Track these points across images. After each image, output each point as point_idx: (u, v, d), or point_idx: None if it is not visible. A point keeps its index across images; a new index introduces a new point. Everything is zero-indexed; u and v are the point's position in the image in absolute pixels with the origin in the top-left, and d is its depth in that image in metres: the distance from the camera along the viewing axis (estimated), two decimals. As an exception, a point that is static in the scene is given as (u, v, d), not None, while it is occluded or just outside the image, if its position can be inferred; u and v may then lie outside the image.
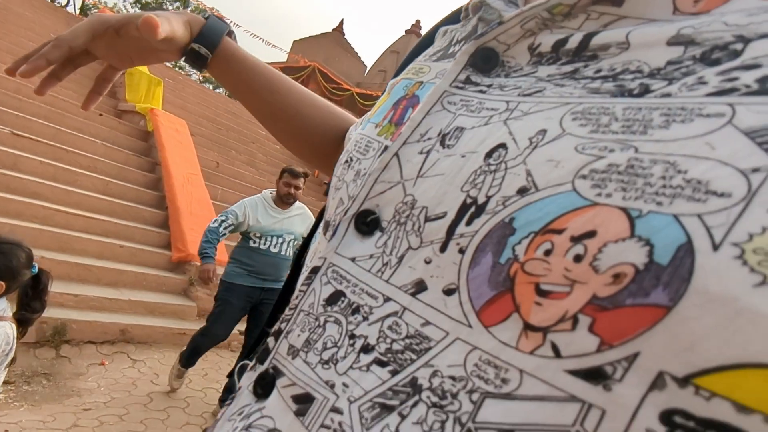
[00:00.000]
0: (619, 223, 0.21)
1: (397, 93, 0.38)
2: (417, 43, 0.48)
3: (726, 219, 0.19)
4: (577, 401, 0.21)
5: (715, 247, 0.19)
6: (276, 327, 0.34)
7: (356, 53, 22.38)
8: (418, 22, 20.82)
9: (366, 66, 22.50)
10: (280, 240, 3.04)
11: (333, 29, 22.08)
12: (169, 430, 2.67)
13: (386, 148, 0.33)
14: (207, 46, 0.57)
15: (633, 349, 0.20)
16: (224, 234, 2.97)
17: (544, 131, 0.26)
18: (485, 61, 0.31)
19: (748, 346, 0.17)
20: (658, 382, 0.19)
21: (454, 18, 0.44)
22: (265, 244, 3.00)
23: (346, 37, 22.06)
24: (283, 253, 3.05)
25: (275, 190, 3.14)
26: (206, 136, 8.27)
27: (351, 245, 0.31)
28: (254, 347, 0.51)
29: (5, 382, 2.56)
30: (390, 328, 0.27)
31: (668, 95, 0.23)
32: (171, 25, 0.51)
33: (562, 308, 0.22)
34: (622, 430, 0.20)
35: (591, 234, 0.21)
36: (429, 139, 0.31)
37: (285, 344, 0.33)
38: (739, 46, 0.22)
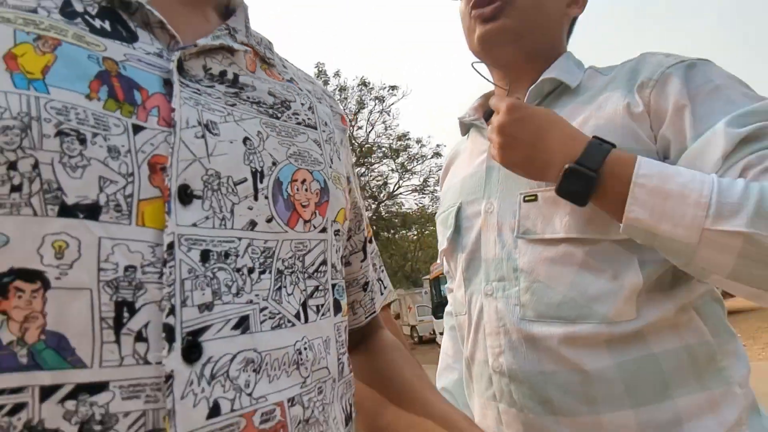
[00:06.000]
0: None
1: (82, 64, 0.37)
2: None
3: None
4: None
5: None
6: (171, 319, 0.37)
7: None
8: None
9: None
10: None
11: None
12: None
13: (138, 128, 0.38)
14: None
15: None
16: None
17: (259, 132, 0.45)
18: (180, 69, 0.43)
19: None
20: None
21: None
22: None
23: None
24: None
25: None
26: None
27: (183, 216, 0.38)
28: None
29: None
30: (253, 251, 0.42)
31: None
32: None
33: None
34: None
35: None
36: (194, 126, 0.40)
37: (193, 310, 0.38)
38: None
